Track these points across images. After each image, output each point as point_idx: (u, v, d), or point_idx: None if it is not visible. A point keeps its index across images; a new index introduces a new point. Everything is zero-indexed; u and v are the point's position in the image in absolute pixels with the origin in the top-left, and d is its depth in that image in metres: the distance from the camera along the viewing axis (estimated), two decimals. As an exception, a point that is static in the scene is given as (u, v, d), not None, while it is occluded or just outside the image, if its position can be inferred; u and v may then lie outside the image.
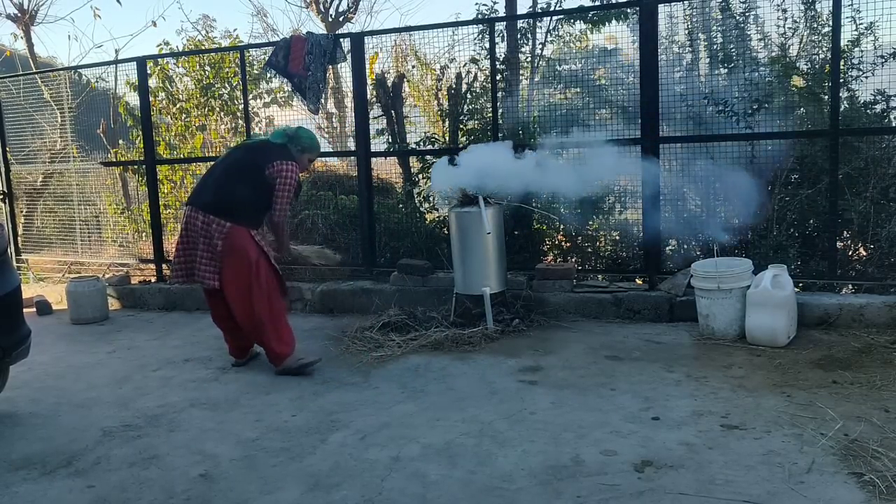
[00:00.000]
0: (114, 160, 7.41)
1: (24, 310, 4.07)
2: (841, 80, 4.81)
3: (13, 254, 7.37)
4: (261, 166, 4.28)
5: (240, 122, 6.66)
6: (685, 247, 5.62)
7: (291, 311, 4.81)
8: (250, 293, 4.26)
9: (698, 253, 5.45)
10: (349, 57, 5.94)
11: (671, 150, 5.45)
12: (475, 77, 5.97)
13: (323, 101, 6.10)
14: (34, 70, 8.54)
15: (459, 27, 5.85)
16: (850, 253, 5.16)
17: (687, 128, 5.41)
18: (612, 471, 2.90)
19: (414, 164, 6.26)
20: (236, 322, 4.44)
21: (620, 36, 5.73)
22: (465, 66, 5.95)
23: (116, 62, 7.48)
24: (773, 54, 5.20)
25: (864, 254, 5.10)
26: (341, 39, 6.02)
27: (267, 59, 6.14)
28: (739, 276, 4.53)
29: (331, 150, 6.63)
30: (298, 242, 5.94)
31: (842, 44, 4.74)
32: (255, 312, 4.28)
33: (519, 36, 5.96)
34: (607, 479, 2.83)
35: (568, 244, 5.95)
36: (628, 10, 5.62)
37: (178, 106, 7.44)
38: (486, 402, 3.73)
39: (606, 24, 5.74)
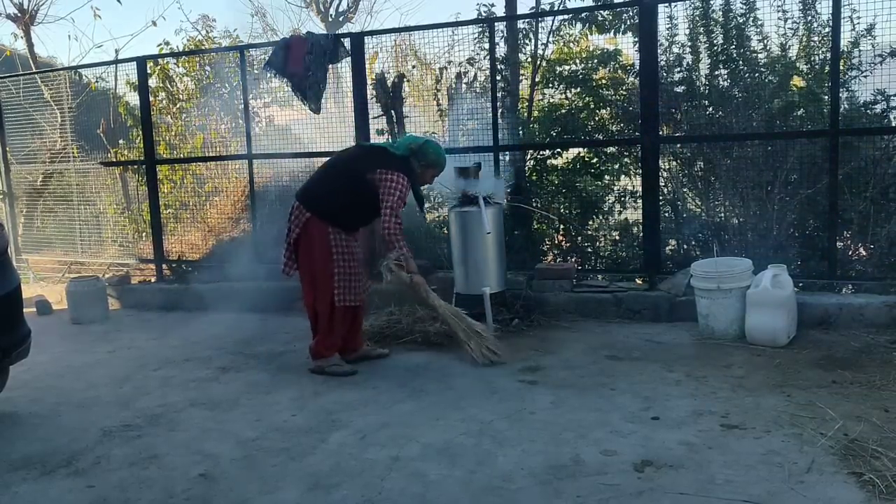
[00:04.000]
0: (114, 160, 7.41)
1: (24, 310, 4.07)
2: (841, 81, 4.81)
3: (13, 254, 7.37)
4: (363, 169, 4.16)
5: (240, 122, 6.66)
6: (685, 247, 5.63)
7: (361, 309, 4.47)
8: (315, 285, 4.25)
9: (698, 253, 5.45)
10: (349, 56, 5.94)
11: (671, 150, 5.48)
12: (475, 77, 5.97)
13: (323, 101, 6.10)
14: (34, 70, 8.53)
15: (459, 27, 5.85)
16: (849, 253, 5.16)
17: (687, 127, 5.43)
18: (612, 470, 2.90)
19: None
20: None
21: (621, 36, 5.75)
22: (460, 65, 5.94)
23: (116, 62, 7.48)
24: (774, 55, 5.20)
25: (864, 254, 5.10)
26: (341, 39, 6.02)
27: (267, 59, 6.14)
28: (739, 276, 4.53)
29: (331, 149, 6.62)
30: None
31: (842, 44, 4.74)
32: (319, 305, 4.28)
33: (521, 36, 5.95)
34: (607, 479, 2.83)
35: (568, 244, 5.96)
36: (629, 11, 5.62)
37: (178, 106, 7.44)
38: (485, 402, 3.73)
39: (610, 32, 5.75)
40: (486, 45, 5.67)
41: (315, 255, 4.22)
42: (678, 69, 5.42)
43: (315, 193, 4.26)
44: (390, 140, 6.23)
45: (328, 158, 4.58)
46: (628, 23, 5.66)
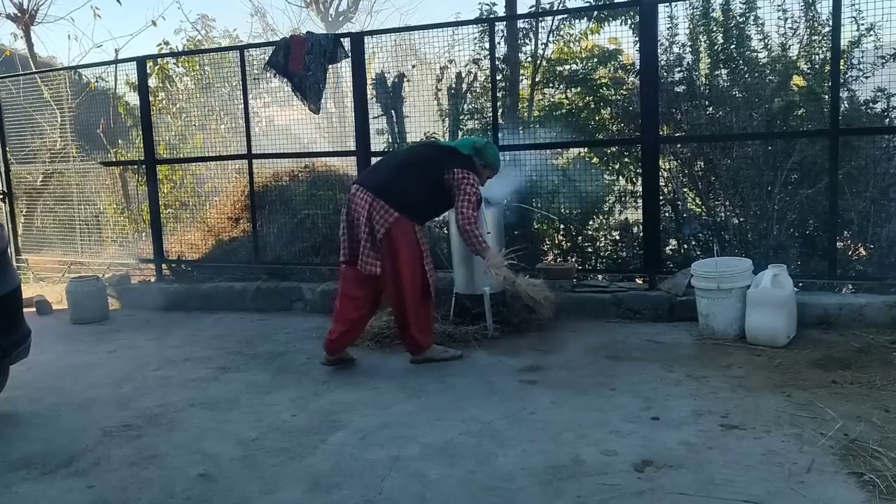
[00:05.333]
0: (114, 160, 7.41)
1: (24, 310, 4.08)
2: (841, 81, 4.81)
3: (13, 254, 7.37)
4: (441, 167, 4.26)
5: (240, 122, 6.66)
6: (685, 247, 5.63)
7: (433, 304, 4.50)
8: (402, 285, 4.22)
9: (698, 253, 5.45)
10: (349, 56, 5.94)
11: (671, 149, 5.47)
12: (475, 77, 5.97)
13: (323, 100, 6.10)
14: (34, 70, 8.52)
15: (459, 27, 5.85)
16: (849, 253, 5.16)
17: (687, 127, 5.43)
18: (612, 470, 2.90)
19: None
20: (364, 317, 4.46)
21: (621, 36, 5.74)
22: (465, 65, 5.94)
23: (116, 62, 7.48)
24: (774, 54, 5.20)
25: (864, 253, 5.10)
26: (341, 39, 6.02)
27: (267, 59, 6.14)
28: (739, 275, 4.53)
29: (331, 149, 6.62)
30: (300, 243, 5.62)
31: (842, 44, 4.74)
32: (405, 304, 4.27)
33: (521, 36, 5.95)
34: (607, 479, 2.83)
35: (568, 244, 5.96)
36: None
37: (177, 106, 7.44)
38: (485, 402, 3.73)
39: (608, 23, 5.74)
40: (487, 45, 5.67)
41: (402, 256, 4.20)
42: (678, 69, 5.42)
43: (398, 192, 4.21)
44: (390, 139, 6.24)
45: (396, 153, 4.59)
46: (623, 14, 5.66)
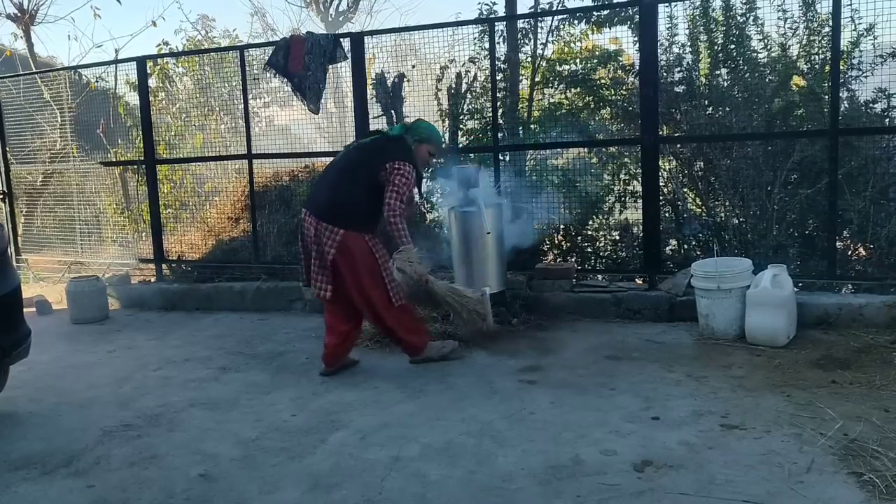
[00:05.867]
0: (114, 160, 7.41)
1: (24, 310, 4.07)
2: (841, 81, 4.81)
3: (13, 254, 7.37)
4: (373, 168, 4.12)
5: (240, 122, 6.66)
6: (685, 247, 5.63)
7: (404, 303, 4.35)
8: (369, 296, 4.16)
9: (698, 253, 5.45)
10: (349, 57, 5.95)
11: (671, 150, 5.47)
12: (475, 77, 5.97)
13: (323, 100, 6.10)
14: (34, 70, 8.53)
15: (459, 27, 5.85)
16: (849, 253, 5.16)
17: (687, 127, 5.43)
18: (612, 471, 2.90)
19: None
20: (356, 325, 4.37)
21: (621, 36, 5.74)
22: (464, 65, 5.94)
23: (116, 62, 7.48)
24: (774, 54, 5.20)
25: (864, 253, 5.10)
26: (341, 39, 6.02)
27: (267, 59, 6.14)
28: (739, 275, 4.53)
29: (331, 149, 6.62)
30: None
31: (841, 44, 4.74)
32: (379, 314, 4.21)
33: (520, 36, 5.95)
34: (607, 479, 2.83)
35: (568, 244, 5.96)
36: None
37: (177, 106, 7.44)
38: (485, 402, 3.73)
39: (606, 25, 5.74)
40: (486, 45, 5.67)
41: (359, 270, 4.12)
42: (678, 69, 5.42)
43: (338, 207, 4.12)
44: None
45: (334, 161, 4.45)
46: (623, 16, 5.65)
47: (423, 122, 4.49)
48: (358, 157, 4.30)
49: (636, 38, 5.36)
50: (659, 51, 5.20)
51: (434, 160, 4.64)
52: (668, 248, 5.64)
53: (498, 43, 5.72)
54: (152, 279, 7.02)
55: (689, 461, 2.94)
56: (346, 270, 4.14)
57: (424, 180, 5.24)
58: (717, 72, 5.33)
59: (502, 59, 5.85)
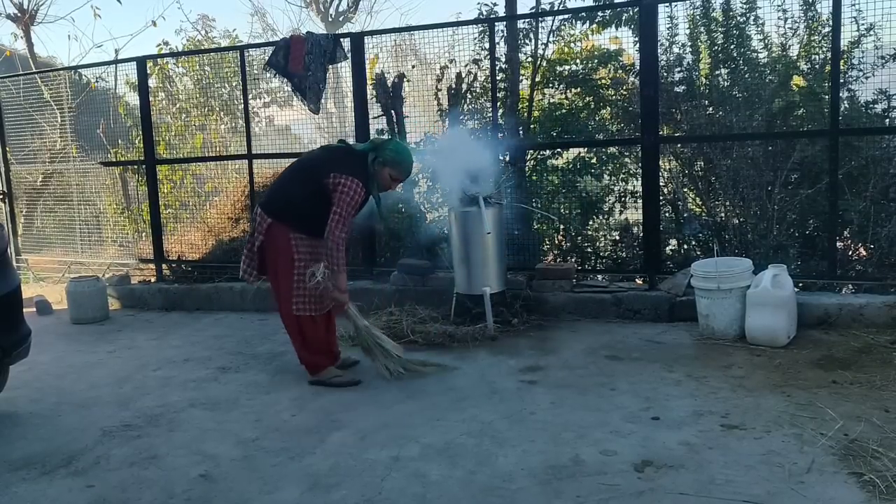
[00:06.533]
0: (113, 160, 7.41)
1: (24, 310, 4.07)
2: (841, 81, 4.81)
3: (13, 254, 7.37)
4: (321, 172, 3.95)
5: (240, 122, 6.66)
6: (685, 247, 5.63)
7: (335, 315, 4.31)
8: (279, 297, 4.15)
9: (698, 253, 5.45)
10: (349, 57, 5.95)
11: (671, 150, 5.47)
12: (475, 77, 5.97)
13: (323, 101, 6.10)
14: (34, 70, 8.53)
15: (459, 27, 5.85)
16: (849, 253, 5.16)
17: (687, 127, 5.43)
18: (612, 471, 2.90)
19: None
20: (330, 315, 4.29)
21: (622, 36, 5.75)
22: (467, 66, 5.94)
23: (116, 62, 7.48)
24: (774, 54, 5.20)
25: (864, 254, 5.10)
26: (341, 39, 6.02)
27: (267, 59, 6.14)
28: (739, 275, 4.53)
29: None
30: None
31: (842, 44, 4.74)
32: (282, 314, 4.21)
33: (521, 36, 5.95)
34: (607, 479, 2.83)
35: (568, 244, 5.96)
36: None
37: (177, 106, 7.44)
38: (486, 402, 3.73)
39: (608, 27, 5.75)
40: (487, 45, 5.67)
41: (278, 263, 4.10)
42: (678, 69, 5.42)
43: (275, 199, 4.11)
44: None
45: (300, 159, 4.38)
46: (624, 17, 5.66)
47: (395, 143, 4.19)
48: (318, 155, 4.25)
49: (636, 38, 5.36)
50: (659, 51, 5.20)
51: (397, 186, 4.29)
52: (668, 248, 5.64)
53: (498, 43, 5.73)
54: (152, 279, 7.02)
55: (689, 461, 2.94)
56: (269, 259, 4.17)
57: (424, 180, 5.22)
58: (718, 72, 5.33)
59: (503, 59, 5.85)
